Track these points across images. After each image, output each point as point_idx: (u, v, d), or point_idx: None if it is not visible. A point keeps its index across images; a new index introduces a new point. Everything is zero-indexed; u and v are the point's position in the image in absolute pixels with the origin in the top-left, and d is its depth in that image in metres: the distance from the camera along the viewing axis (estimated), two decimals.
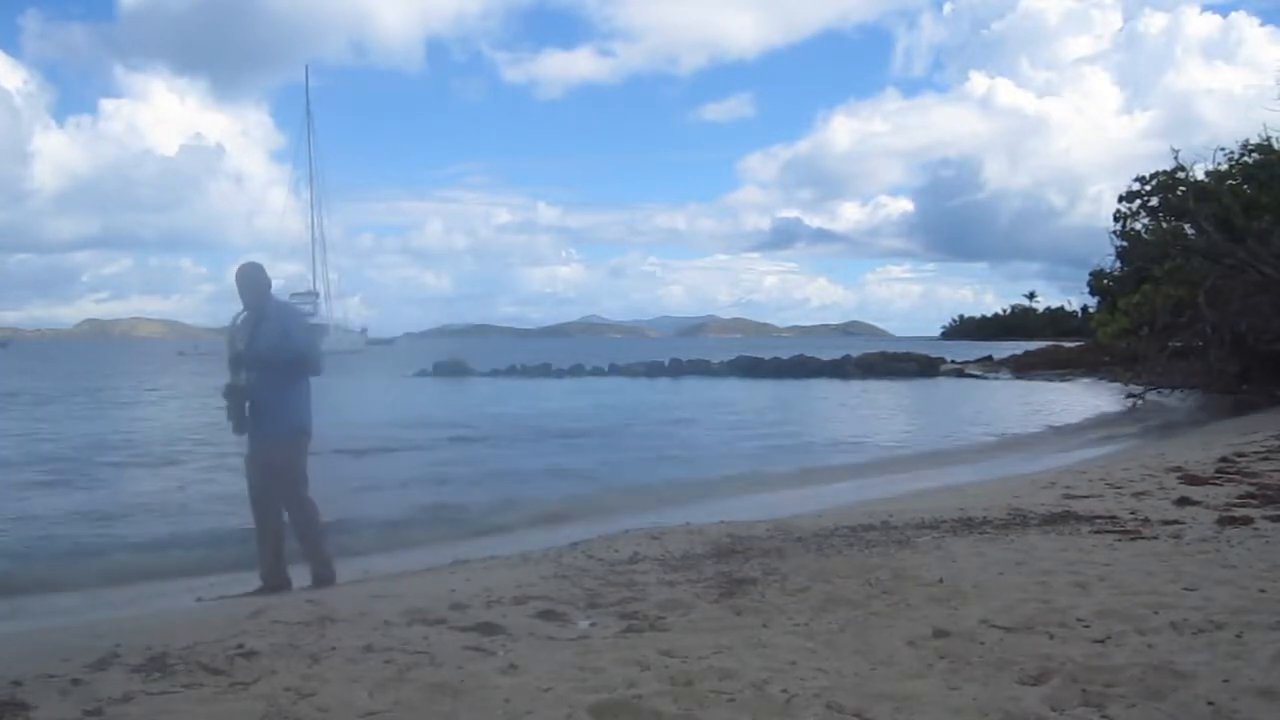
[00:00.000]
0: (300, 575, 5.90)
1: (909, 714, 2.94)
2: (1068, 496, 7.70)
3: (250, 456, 5.83)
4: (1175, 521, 6.25)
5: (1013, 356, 48.46)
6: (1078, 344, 45.78)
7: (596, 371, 45.84)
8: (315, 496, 5.93)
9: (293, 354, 5.70)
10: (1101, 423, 20.01)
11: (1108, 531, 5.98)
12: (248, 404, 5.75)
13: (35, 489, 11.57)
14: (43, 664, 3.48)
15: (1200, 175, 23.10)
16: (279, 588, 5.68)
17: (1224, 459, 9.67)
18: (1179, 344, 18.80)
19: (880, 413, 25.15)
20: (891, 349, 53.81)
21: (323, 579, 5.76)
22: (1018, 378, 40.58)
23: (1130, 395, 19.74)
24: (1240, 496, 7.22)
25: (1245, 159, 22.96)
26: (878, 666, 3.40)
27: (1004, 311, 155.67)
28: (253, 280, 5.84)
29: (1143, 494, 7.66)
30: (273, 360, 5.68)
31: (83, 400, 29.55)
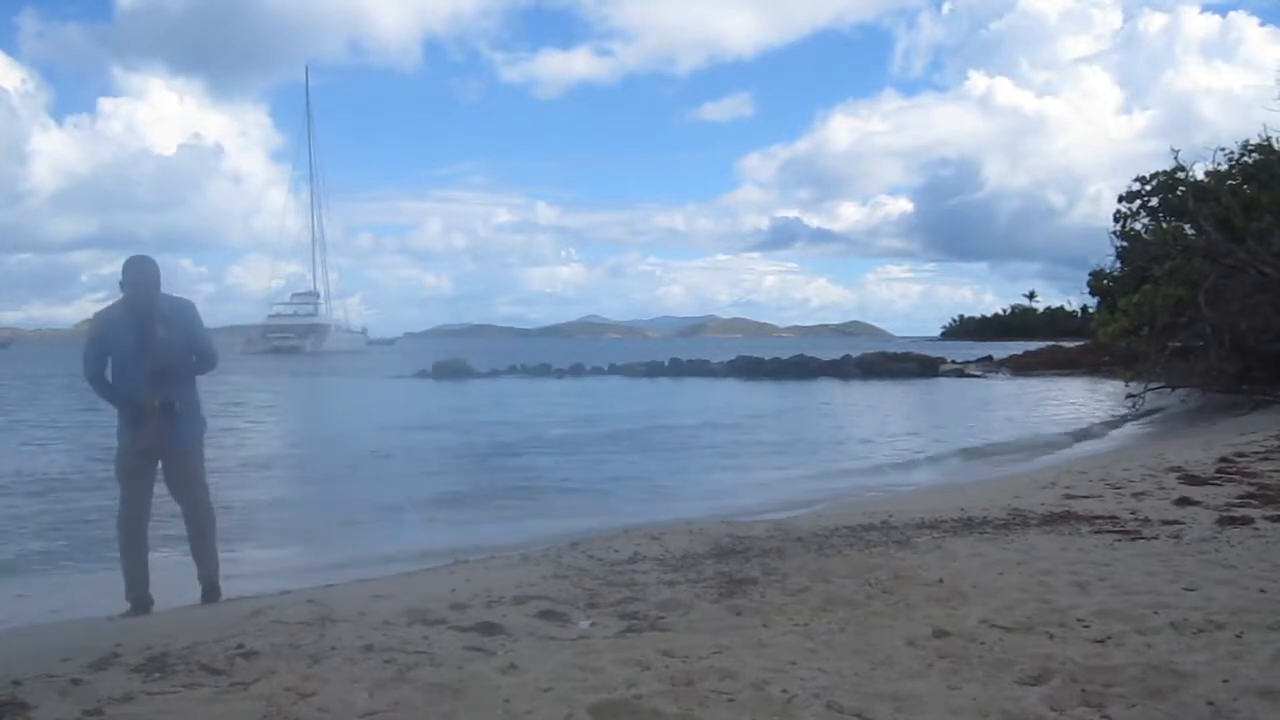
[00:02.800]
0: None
1: (909, 714, 2.94)
2: (1068, 496, 7.71)
3: (138, 459, 5.31)
4: (1175, 521, 6.26)
5: (1013, 357, 48.53)
6: (1078, 344, 45.78)
7: (596, 371, 45.96)
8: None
9: (201, 359, 5.44)
10: (1101, 422, 20.04)
11: (1108, 531, 5.98)
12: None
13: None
14: (43, 664, 3.47)
15: (1200, 175, 23.12)
16: (149, 606, 5.29)
17: (1224, 459, 9.68)
18: (1179, 344, 18.76)
19: (893, 415, 25.08)
20: (891, 349, 53.86)
21: (213, 589, 5.44)
22: (1018, 378, 40.63)
23: (1130, 395, 19.72)
24: (1240, 496, 7.22)
25: (1245, 159, 22.97)
26: (878, 666, 3.40)
27: (1004, 311, 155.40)
28: (147, 275, 5.31)
29: (1143, 494, 7.66)
30: (183, 367, 5.38)
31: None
